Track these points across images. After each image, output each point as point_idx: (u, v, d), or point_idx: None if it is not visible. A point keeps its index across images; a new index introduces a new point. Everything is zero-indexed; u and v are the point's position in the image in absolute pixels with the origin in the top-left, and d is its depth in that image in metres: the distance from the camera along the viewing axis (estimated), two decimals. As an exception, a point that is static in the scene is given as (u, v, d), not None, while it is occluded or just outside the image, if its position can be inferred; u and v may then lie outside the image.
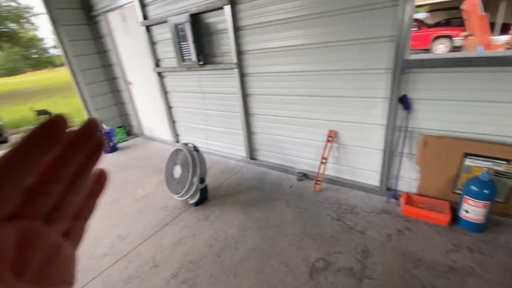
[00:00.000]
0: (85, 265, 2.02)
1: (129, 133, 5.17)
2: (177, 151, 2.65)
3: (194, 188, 2.50)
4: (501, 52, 4.87)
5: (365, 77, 2.18)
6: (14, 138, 6.69)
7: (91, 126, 0.22)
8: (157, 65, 3.78)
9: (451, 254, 1.77)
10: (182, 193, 2.54)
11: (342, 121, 2.46)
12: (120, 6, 3.76)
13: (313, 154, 2.78)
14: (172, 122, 4.17)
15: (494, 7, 8.31)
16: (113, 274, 1.91)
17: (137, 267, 1.95)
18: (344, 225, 2.15)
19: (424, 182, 2.21)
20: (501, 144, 1.82)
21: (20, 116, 9.33)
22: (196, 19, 2.93)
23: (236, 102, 3.10)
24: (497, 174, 1.88)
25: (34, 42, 20.93)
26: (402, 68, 1.96)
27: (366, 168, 2.52)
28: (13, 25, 16.35)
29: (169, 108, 4.06)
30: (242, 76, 2.91)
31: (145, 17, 3.50)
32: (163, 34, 3.43)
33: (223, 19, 2.76)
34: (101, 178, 0.27)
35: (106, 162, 4.02)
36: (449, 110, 1.95)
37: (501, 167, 1.85)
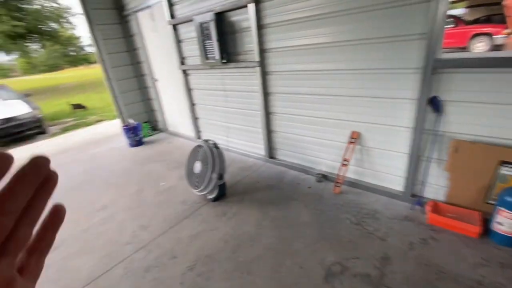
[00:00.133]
0: (110, 251, 2.15)
1: (154, 128, 5.39)
2: (198, 147, 2.72)
3: (212, 184, 2.55)
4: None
5: (392, 76, 2.08)
6: (52, 129, 7.24)
7: (38, 162, 0.23)
8: (182, 63, 3.89)
9: (479, 269, 1.65)
10: (201, 188, 2.60)
11: (366, 122, 2.37)
12: (150, 6, 3.92)
13: (334, 155, 2.71)
14: (195, 119, 4.28)
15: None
16: (134, 262, 2.01)
17: (156, 257, 2.03)
18: (363, 230, 2.08)
19: (453, 190, 2.07)
20: (545, 153, 1.65)
21: (58, 109, 10.07)
22: (220, 17, 2.97)
23: (257, 100, 3.10)
24: (539, 186, 1.71)
25: (72, 40, 22.49)
26: (433, 68, 1.85)
27: (389, 172, 2.41)
28: (54, 25, 17.65)
29: (192, 105, 4.17)
30: (264, 74, 2.90)
31: (172, 16, 3.62)
32: (188, 32, 3.52)
33: (246, 17, 2.77)
34: (58, 212, 0.27)
35: (132, 155, 4.24)
36: (485, 113, 1.80)
37: (544, 178, 1.68)
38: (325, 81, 2.47)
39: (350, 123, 2.47)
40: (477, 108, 1.82)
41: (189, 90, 4.06)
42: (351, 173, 2.64)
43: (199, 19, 3.06)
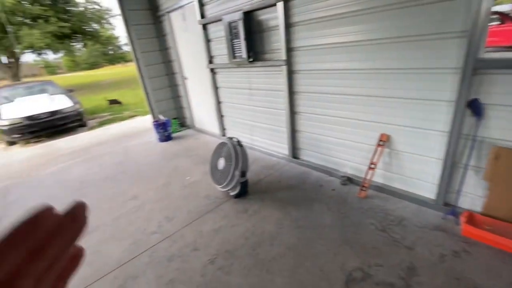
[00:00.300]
0: (137, 239, 2.28)
1: (182, 124, 5.60)
2: (222, 144, 2.78)
3: (235, 181, 2.60)
4: None
5: (427, 77, 1.96)
6: (91, 123, 7.82)
7: (77, 211, 0.22)
8: (210, 61, 3.99)
9: (521, 289, 1.50)
10: (224, 185, 2.66)
11: (396, 124, 2.26)
12: (182, 6, 4.06)
13: (360, 158, 2.62)
14: (220, 117, 4.37)
15: None
16: (159, 251, 2.12)
17: (179, 248, 2.12)
18: (389, 237, 1.99)
19: (492, 201, 1.90)
20: None
21: (97, 104, 10.84)
22: (248, 16, 3.00)
23: (282, 99, 3.09)
24: None
25: (111, 40, 24.01)
26: (474, 68, 1.71)
27: (421, 178, 2.28)
28: (95, 25, 18.97)
29: (218, 103, 4.26)
30: (291, 73, 2.88)
31: (202, 15, 3.72)
32: (217, 32, 3.60)
33: (274, 16, 2.77)
34: (76, 258, 0.25)
35: (161, 149, 4.44)
36: (535, 119, 1.63)
37: None
38: (354, 81, 2.39)
39: (379, 124, 2.37)
40: (525, 112, 1.65)
41: (216, 88, 4.16)
42: (378, 177, 2.54)
43: (228, 18, 3.11)
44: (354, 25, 2.21)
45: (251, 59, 3.14)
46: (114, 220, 2.59)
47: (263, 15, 2.93)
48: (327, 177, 2.90)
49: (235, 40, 3.17)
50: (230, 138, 2.75)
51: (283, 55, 2.81)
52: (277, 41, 2.89)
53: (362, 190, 2.50)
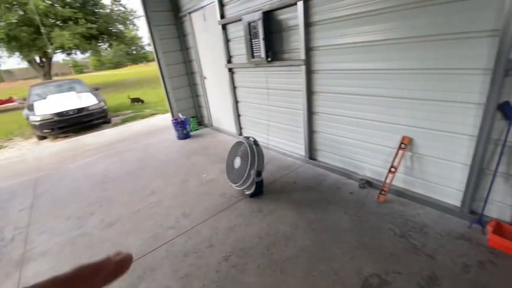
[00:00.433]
0: (155, 233, 2.36)
1: (200, 123, 5.70)
2: (239, 143, 2.80)
3: (250, 180, 2.61)
4: None
5: (454, 77, 1.86)
6: (114, 120, 8.17)
7: (126, 262, 0.26)
8: (229, 61, 4.03)
9: (556, 307, 1.40)
10: (239, 183, 2.68)
11: (419, 127, 2.16)
12: (203, 7, 4.14)
13: (380, 161, 2.55)
14: (238, 116, 4.41)
15: None
16: (175, 246, 2.17)
17: (195, 244, 2.17)
18: (408, 244, 1.92)
19: (526, 211, 1.77)
20: None
21: (120, 102, 11.30)
22: (268, 16, 3.00)
23: (300, 99, 3.06)
24: None
25: (134, 40, 24.90)
26: (506, 70, 1.60)
27: (444, 184, 2.17)
28: (120, 26, 19.75)
29: (236, 102, 4.30)
30: (309, 73, 2.85)
31: (222, 16, 3.77)
32: (236, 32, 3.63)
33: (294, 16, 2.75)
34: (124, 263, 0.28)
35: (179, 147, 4.55)
36: None
37: None
38: (375, 81, 2.32)
39: (400, 127, 2.28)
40: None
41: (234, 87, 4.19)
42: (398, 182, 2.45)
43: (247, 18, 3.13)
44: (376, 24, 2.15)
45: (269, 59, 3.14)
46: (133, 214, 2.69)
47: (282, 15, 2.91)
48: (345, 180, 2.84)
49: (254, 40, 3.18)
50: (247, 138, 2.77)
51: (302, 55, 2.79)
52: (296, 41, 2.86)
53: (381, 194, 2.42)
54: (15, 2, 13.62)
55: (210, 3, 3.90)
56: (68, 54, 19.27)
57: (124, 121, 7.93)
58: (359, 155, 2.73)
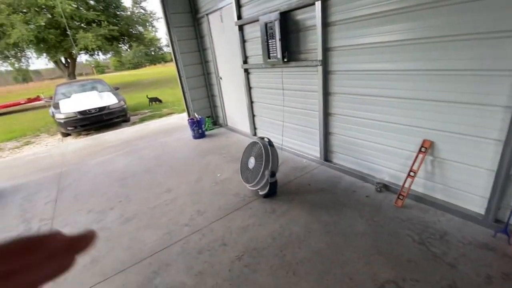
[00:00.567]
0: (170, 229, 2.41)
1: (215, 123, 5.77)
2: (253, 143, 2.81)
3: (264, 181, 2.61)
4: None
5: (482, 79, 1.78)
6: (133, 118, 8.43)
7: (85, 240, 0.25)
8: (245, 62, 4.05)
9: None
10: (253, 184, 2.69)
11: (442, 130, 2.08)
12: (220, 8, 4.19)
13: (398, 164, 2.47)
14: (252, 116, 4.42)
15: None
16: (190, 243, 2.21)
17: (208, 242, 2.19)
18: (428, 251, 1.85)
19: (559, 222, 1.66)
20: None
21: (138, 102, 11.66)
22: (285, 17, 2.99)
23: (316, 100, 3.03)
24: None
25: (153, 41, 25.64)
26: (542, 70, 1.51)
27: (468, 190, 2.07)
28: (140, 28, 20.40)
29: (251, 102, 4.31)
30: (326, 73, 2.81)
31: (239, 17, 3.79)
32: (253, 32, 3.64)
33: (312, 16, 2.72)
34: (86, 239, 0.27)
35: (195, 146, 4.63)
36: None
37: None
38: (396, 83, 2.25)
39: (421, 130, 2.20)
40: None
41: (249, 88, 4.21)
42: (418, 186, 2.36)
43: (264, 19, 3.14)
44: (398, 23, 2.09)
45: (285, 59, 3.13)
46: (150, 210, 2.77)
47: (299, 15, 2.90)
48: (361, 183, 2.78)
49: (271, 41, 3.18)
50: (262, 138, 2.77)
51: (319, 55, 2.76)
52: (313, 41, 2.84)
53: (399, 198, 2.35)
54: (43, 6, 14.39)
55: (228, 4, 3.94)
56: (91, 55, 20.12)
57: (142, 119, 8.17)
58: (376, 158, 2.66)
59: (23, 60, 17.58)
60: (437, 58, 1.94)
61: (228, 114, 5.37)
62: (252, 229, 2.29)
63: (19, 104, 14.25)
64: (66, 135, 7.19)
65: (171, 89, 15.16)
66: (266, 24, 3.14)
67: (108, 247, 2.27)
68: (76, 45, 15.66)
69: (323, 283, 1.70)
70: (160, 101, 10.88)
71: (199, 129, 4.96)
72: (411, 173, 2.29)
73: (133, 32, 19.80)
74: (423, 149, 2.19)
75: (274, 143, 2.72)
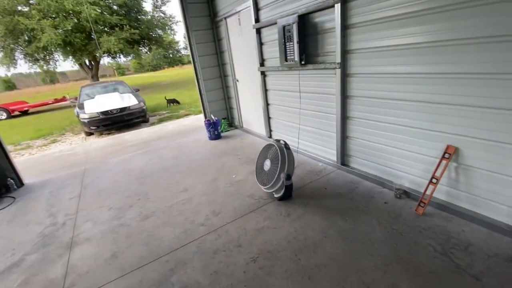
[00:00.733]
0: (187, 228, 2.46)
1: (230, 124, 5.83)
2: (269, 146, 2.81)
3: (280, 183, 2.61)
4: None
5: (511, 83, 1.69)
6: (152, 119, 8.68)
7: None
8: (262, 64, 4.07)
9: None
10: (268, 186, 2.69)
11: (467, 136, 1.99)
12: (238, 11, 4.24)
13: (419, 170, 2.39)
14: (268, 118, 4.43)
15: None
16: (205, 243, 2.24)
17: (224, 242, 2.22)
18: (450, 262, 1.77)
19: None
20: None
21: (157, 103, 11.99)
22: (303, 19, 2.98)
23: (334, 103, 2.99)
24: None
25: (172, 44, 26.33)
26: None
27: (495, 199, 1.96)
28: (159, 31, 21.02)
29: (267, 105, 4.32)
30: (345, 76, 2.77)
31: (256, 20, 3.82)
32: (270, 35, 3.66)
33: (331, 18, 2.70)
34: None
35: (211, 147, 4.70)
36: None
37: None
38: (418, 86, 2.18)
39: (445, 135, 2.12)
40: None
41: (265, 90, 4.23)
42: (440, 194, 2.27)
43: (282, 22, 3.14)
44: (423, 25, 2.02)
45: (303, 62, 3.12)
46: (167, 208, 2.84)
47: (318, 18, 2.88)
48: (379, 188, 2.71)
49: (288, 43, 3.18)
50: (278, 140, 2.77)
51: (337, 58, 2.72)
52: (331, 44, 2.81)
53: (420, 206, 2.27)
54: (71, 12, 15.18)
55: (246, 7, 3.99)
56: (113, 57, 20.96)
57: (161, 120, 8.39)
58: (396, 163, 2.58)
59: (51, 62, 18.61)
60: (462, 61, 1.86)
61: (244, 116, 5.41)
62: (267, 231, 2.29)
63: (47, 104, 15.10)
64: (89, 134, 7.53)
65: (187, 90, 15.49)
66: (284, 27, 3.14)
67: (128, 243, 2.35)
68: (100, 48, 16.38)
69: (339, 289, 1.67)
70: (178, 102, 11.14)
71: (215, 130, 5.03)
72: (433, 180, 2.20)
73: (153, 35, 20.44)
74: (446, 155, 2.11)
75: (290, 146, 2.71)
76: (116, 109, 7.25)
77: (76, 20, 15.55)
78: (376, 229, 2.15)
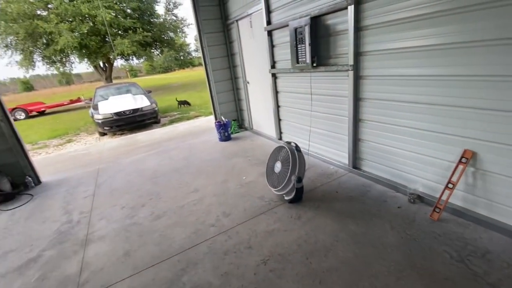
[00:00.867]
0: (197, 229, 2.48)
1: (240, 126, 5.86)
2: (280, 148, 2.81)
3: (290, 186, 2.60)
4: None
5: (534, 86, 1.63)
6: (163, 120, 8.82)
7: None
8: (273, 66, 4.08)
9: None
10: (279, 188, 2.68)
11: (486, 140, 1.93)
12: (250, 14, 4.27)
13: (435, 175, 2.33)
14: (278, 120, 4.43)
15: None
16: (216, 243, 2.26)
17: (234, 244, 2.23)
18: (467, 270, 1.71)
19: None
20: None
21: (168, 104, 12.18)
22: (315, 21, 2.98)
23: (346, 105, 2.96)
24: None
25: (183, 47, 26.71)
26: None
27: (516, 206, 1.90)
28: (171, 34, 21.39)
29: (277, 107, 4.32)
30: (357, 78, 2.75)
31: (268, 22, 3.84)
32: (282, 37, 3.66)
33: (344, 20, 2.68)
34: None
35: (221, 148, 4.73)
36: None
37: None
38: (434, 88, 2.14)
39: (462, 139, 2.06)
40: None
41: (276, 92, 4.23)
42: (456, 199, 2.21)
43: (294, 24, 3.15)
44: (439, 26, 1.99)
45: (314, 64, 3.11)
46: (178, 209, 2.87)
47: (330, 20, 2.87)
48: (392, 193, 2.66)
49: (300, 45, 3.18)
50: (289, 143, 2.77)
51: (350, 60, 2.70)
52: (344, 46, 2.79)
53: (435, 211, 2.21)
54: (87, 15, 15.66)
55: (258, 10, 4.01)
56: (126, 59, 21.44)
57: (172, 121, 8.52)
58: (410, 167, 2.53)
59: (67, 64, 19.22)
60: (481, 63, 1.82)
61: (254, 117, 5.43)
62: (277, 234, 2.29)
63: (62, 104, 15.59)
64: (103, 134, 7.72)
65: (198, 92, 15.67)
66: (296, 29, 3.15)
67: (140, 242, 2.40)
68: (114, 51, 16.81)
69: (351, 294, 1.65)
70: (189, 104, 11.29)
71: (225, 132, 5.06)
72: (450, 185, 2.14)
73: (165, 38, 20.81)
74: (463, 160, 2.05)
75: (300, 148, 2.70)
76: (129, 110, 7.41)
77: (91, 24, 16.03)
78: (389, 234, 2.11)
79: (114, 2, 16.22)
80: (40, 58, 17.62)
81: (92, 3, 15.27)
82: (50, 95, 27.23)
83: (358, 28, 2.58)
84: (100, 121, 7.18)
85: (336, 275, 1.80)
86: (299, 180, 2.59)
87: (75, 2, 15.08)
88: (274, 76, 4.13)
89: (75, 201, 3.41)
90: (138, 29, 17.22)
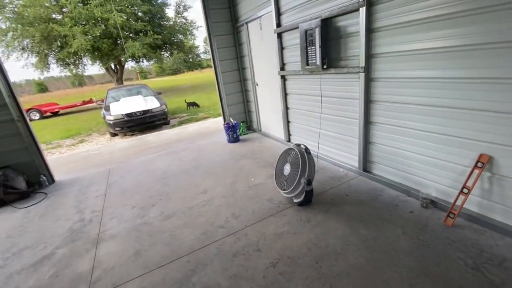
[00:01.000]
0: (206, 230, 2.49)
1: (249, 127, 5.88)
2: (289, 150, 2.80)
3: (300, 188, 2.58)
4: None
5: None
6: (172, 121, 8.93)
7: None
8: (282, 68, 4.08)
9: None
10: (288, 191, 2.67)
11: (504, 144, 1.87)
12: (260, 16, 4.29)
13: (448, 179, 2.28)
14: (287, 122, 4.41)
15: None
16: (225, 245, 2.26)
17: (243, 246, 2.22)
18: (483, 278, 1.66)
19: None
20: None
21: (177, 105, 12.33)
22: (326, 23, 2.96)
23: (356, 108, 2.93)
24: None
25: (192, 49, 27.01)
26: None
27: (535, 213, 1.83)
28: (181, 36, 21.69)
29: (286, 109, 4.32)
30: (369, 80, 2.71)
31: (278, 24, 3.85)
32: (292, 40, 3.66)
33: (355, 22, 2.66)
34: None
35: (229, 150, 4.75)
36: None
37: None
38: (449, 91, 2.09)
39: (478, 143, 2.01)
40: None
41: (285, 94, 4.22)
42: (471, 205, 2.15)
43: (304, 26, 3.14)
44: (458, 28, 1.94)
45: (325, 66, 3.09)
46: (187, 210, 2.90)
47: (341, 21, 2.85)
48: (404, 197, 2.61)
49: (310, 47, 3.17)
50: (298, 145, 2.76)
51: (361, 62, 2.67)
52: (355, 48, 2.76)
53: (449, 217, 2.16)
54: (99, 19, 16.05)
55: (267, 12, 4.02)
56: (137, 62, 21.84)
57: (181, 123, 8.62)
58: (423, 172, 2.48)
59: (80, 66, 19.74)
60: (496, 65, 1.77)
61: (262, 119, 5.43)
62: (286, 237, 2.27)
63: (75, 105, 15.99)
64: (114, 135, 7.87)
65: (206, 94, 15.81)
66: (306, 31, 3.14)
67: (151, 242, 2.42)
68: (125, 53, 17.16)
69: (362, 300, 1.62)
70: (197, 105, 11.40)
71: (234, 133, 5.08)
72: (465, 190, 2.09)
73: (175, 40, 21.11)
74: (479, 164, 2.00)
75: (310, 151, 2.68)
76: (140, 112, 7.54)
77: (104, 27, 16.41)
78: (401, 239, 2.07)
79: (126, 5, 16.55)
80: (55, 60, 18.15)
81: (104, 6, 15.64)
82: (63, 96, 27.98)
83: (370, 30, 2.55)
84: (111, 122, 7.32)
85: (346, 280, 1.77)
86: (309, 182, 2.57)
87: (88, 6, 15.48)
88: (283, 78, 4.12)
89: (87, 200, 3.48)
90: (148, 32, 17.52)
